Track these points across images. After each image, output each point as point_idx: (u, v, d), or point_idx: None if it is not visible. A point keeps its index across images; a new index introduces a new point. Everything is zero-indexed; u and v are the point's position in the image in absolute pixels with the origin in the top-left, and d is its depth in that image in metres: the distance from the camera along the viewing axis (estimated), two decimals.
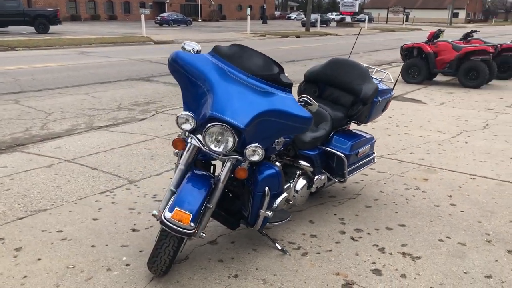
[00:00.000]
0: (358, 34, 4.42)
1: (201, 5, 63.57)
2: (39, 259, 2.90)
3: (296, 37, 31.04)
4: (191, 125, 2.58)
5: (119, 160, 4.85)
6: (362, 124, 3.82)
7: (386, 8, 75.98)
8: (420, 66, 10.24)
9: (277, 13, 79.87)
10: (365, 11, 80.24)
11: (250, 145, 2.55)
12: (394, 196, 3.97)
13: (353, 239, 3.21)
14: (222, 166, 2.70)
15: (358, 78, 3.60)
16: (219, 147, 2.54)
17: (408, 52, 10.65)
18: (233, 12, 72.96)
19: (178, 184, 2.69)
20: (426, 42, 10.37)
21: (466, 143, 5.63)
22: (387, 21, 72.11)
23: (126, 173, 4.46)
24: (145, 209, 3.65)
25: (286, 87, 2.74)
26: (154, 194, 3.96)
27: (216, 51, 2.78)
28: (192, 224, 2.41)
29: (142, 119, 6.84)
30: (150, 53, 17.05)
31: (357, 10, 53.47)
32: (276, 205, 2.78)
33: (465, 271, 2.82)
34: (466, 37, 11.70)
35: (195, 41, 3.10)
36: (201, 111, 2.64)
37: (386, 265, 2.87)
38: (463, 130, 6.26)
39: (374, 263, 2.91)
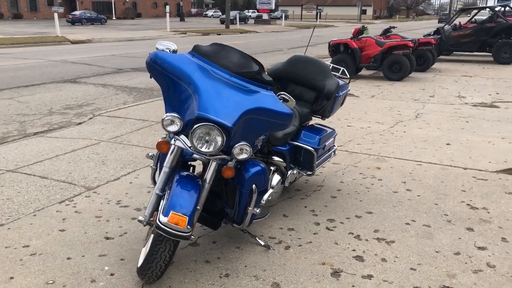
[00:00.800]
0: (313, 29, 4.56)
1: (114, 2, 61.32)
2: (11, 278, 2.70)
3: (218, 34, 31.06)
4: (177, 126, 2.54)
5: (68, 167, 4.61)
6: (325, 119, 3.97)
7: (299, 5, 78.24)
8: (347, 61, 10.72)
9: (193, 10, 79.15)
10: (280, 8, 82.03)
11: (238, 144, 2.56)
12: (355, 185, 4.16)
13: (328, 229, 3.34)
14: (207, 167, 2.69)
15: (319, 74, 3.72)
16: (208, 147, 2.53)
17: (335, 48, 11.11)
18: (149, 9, 71.21)
19: (163, 188, 2.64)
20: (351, 38, 10.88)
21: (405, 132, 6.02)
22: (301, 18, 74.31)
23: (80, 180, 4.25)
24: (113, 216, 3.52)
25: (267, 84, 2.78)
26: (118, 200, 3.83)
27: (197, 51, 2.76)
28: (188, 226, 2.38)
29: (80, 123, 6.52)
30: (69, 53, 16.22)
31: (273, 7, 54.57)
32: (263, 202, 2.81)
33: (436, 250, 3.05)
34: (386, 32, 12.44)
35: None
36: (186, 111, 2.61)
37: (365, 251, 3.03)
38: (399, 120, 6.68)
39: (354, 250, 3.05)
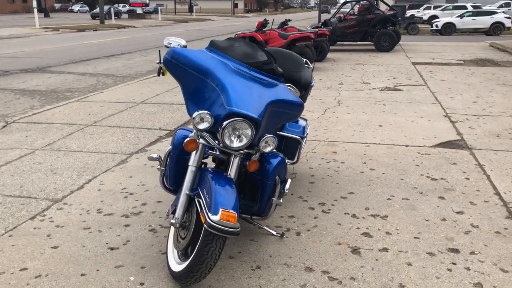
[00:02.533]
0: (272, 24, 4.64)
1: None
2: None
3: (94, 30, 29.43)
4: (208, 123, 2.50)
5: (14, 180, 4.16)
6: None
7: None
8: None
9: (57, 5, 73.50)
10: (156, 2, 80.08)
11: (264, 137, 2.60)
12: (324, 170, 4.40)
13: (324, 212, 3.51)
14: (224, 163, 2.69)
15: (294, 65, 3.85)
16: (239, 142, 2.53)
17: None
18: (5, 5, 64.49)
19: (192, 187, 2.58)
20: (256, 31, 11.17)
21: (337, 118, 6.44)
22: (175, 12, 73.39)
23: (39, 193, 3.87)
24: (102, 226, 3.30)
25: (280, 76, 2.85)
26: (97, 209, 3.58)
27: (214, 46, 2.74)
28: (238, 222, 2.37)
29: None
30: None
31: (147, 1, 53.10)
32: (286, 191, 2.88)
33: (425, 219, 3.40)
34: (283, 25, 12.96)
35: None
36: (211, 107, 2.58)
37: (368, 228, 3.26)
38: (326, 107, 7.11)
39: (358, 228, 3.27)
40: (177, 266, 2.60)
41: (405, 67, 11.66)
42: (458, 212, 3.49)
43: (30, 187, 4.00)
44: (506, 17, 27.35)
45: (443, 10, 35.38)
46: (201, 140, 2.57)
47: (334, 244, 3.04)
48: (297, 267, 2.77)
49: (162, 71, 2.88)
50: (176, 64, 2.63)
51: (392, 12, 15.56)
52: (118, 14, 48.76)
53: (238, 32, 11.52)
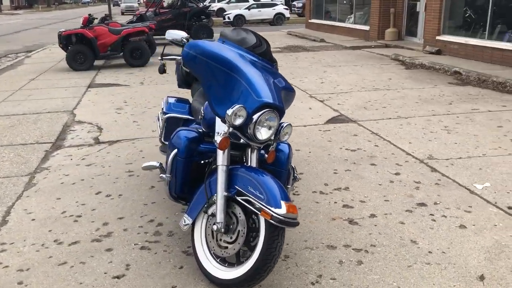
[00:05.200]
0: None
1: None
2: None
3: None
4: (242, 118, 2.39)
5: None
6: None
7: None
8: (85, 52, 10.13)
9: None
10: None
11: (284, 126, 2.61)
12: None
13: (294, 194, 3.64)
14: (247, 156, 2.62)
15: None
16: (267, 134, 2.49)
17: (67, 40, 10.23)
18: None
19: (228, 187, 2.44)
20: (83, 28, 10.25)
21: None
22: None
23: None
24: (81, 257, 2.80)
25: (275, 63, 2.86)
26: (54, 239, 3.00)
27: (225, 37, 2.60)
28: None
29: None
30: None
31: None
32: (299, 178, 2.90)
33: (378, 183, 3.82)
34: (103, 21, 12.17)
35: None
36: (238, 100, 2.46)
37: (343, 200, 3.52)
38: None
39: (336, 202, 3.49)
40: (225, 273, 2.43)
41: None
42: (396, 174, 4.02)
43: None
44: (285, 8, 30.93)
45: (228, 3, 37.78)
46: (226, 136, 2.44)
47: (330, 220, 3.20)
48: (319, 248, 2.86)
49: (164, 68, 2.58)
50: (198, 58, 2.41)
51: (204, 5, 16.04)
52: None
53: (61, 30, 10.37)
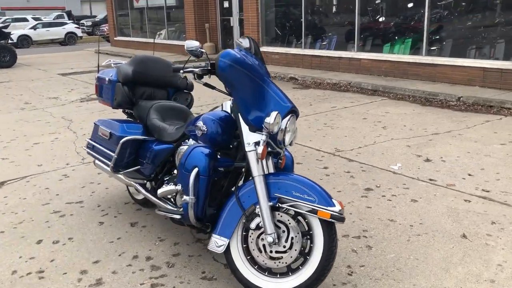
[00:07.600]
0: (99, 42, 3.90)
1: None
2: None
3: None
4: (279, 124, 2.39)
5: None
6: None
7: None
8: None
9: None
10: None
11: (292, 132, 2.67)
12: None
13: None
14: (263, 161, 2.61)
15: (168, 70, 3.61)
16: (292, 137, 2.54)
17: None
18: None
19: (268, 196, 2.39)
20: None
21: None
22: None
23: None
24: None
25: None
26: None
27: (239, 45, 2.51)
28: None
29: None
30: None
31: None
32: None
33: (346, 170, 4.09)
34: None
35: None
36: (266, 108, 2.44)
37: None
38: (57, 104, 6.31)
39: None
40: (281, 285, 2.36)
41: (58, 78, 11.15)
42: (324, 168, 4.36)
43: None
44: (76, 27, 29.24)
45: (3, 23, 33.76)
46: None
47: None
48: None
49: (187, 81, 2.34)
50: (236, 68, 2.33)
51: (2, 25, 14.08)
52: None
53: None
